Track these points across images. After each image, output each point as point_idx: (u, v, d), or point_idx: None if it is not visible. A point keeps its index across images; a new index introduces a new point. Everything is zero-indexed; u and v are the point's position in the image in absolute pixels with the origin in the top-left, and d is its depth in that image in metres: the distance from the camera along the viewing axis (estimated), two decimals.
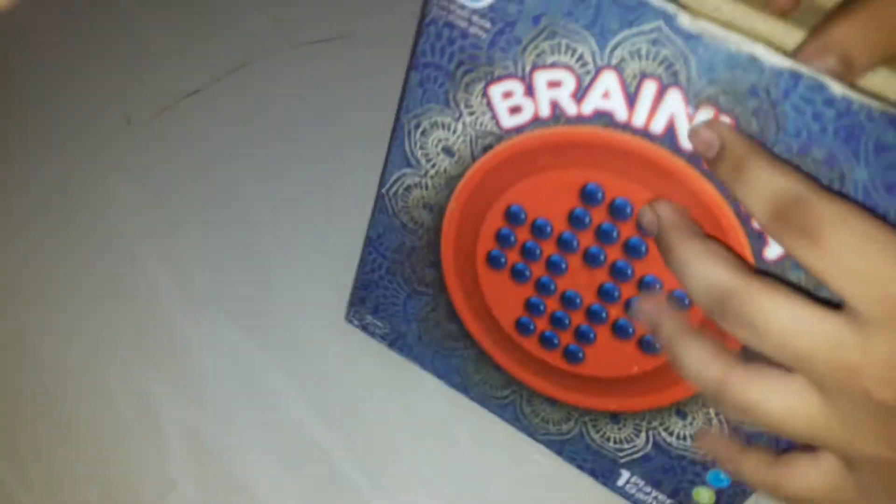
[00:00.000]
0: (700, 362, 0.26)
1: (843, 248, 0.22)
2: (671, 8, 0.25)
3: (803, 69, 0.23)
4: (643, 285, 0.30)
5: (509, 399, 0.37)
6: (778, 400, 0.24)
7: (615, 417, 0.34)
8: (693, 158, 0.27)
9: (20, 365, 0.42)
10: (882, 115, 0.23)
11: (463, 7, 0.28)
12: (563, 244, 0.31)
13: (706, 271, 0.25)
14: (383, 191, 0.35)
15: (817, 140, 0.24)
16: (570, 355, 0.34)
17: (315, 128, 0.48)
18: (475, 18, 0.28)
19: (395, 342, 0.39)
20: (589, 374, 0.34)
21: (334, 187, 0.46)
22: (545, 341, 0.34)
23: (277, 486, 0.39)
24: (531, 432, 0.37)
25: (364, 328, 0.40)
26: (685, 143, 0.27)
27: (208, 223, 0.46)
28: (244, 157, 0.47)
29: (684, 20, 0.24)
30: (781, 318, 0.23)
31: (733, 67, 0.24)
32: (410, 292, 0.37)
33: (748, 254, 0.27)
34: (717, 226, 0.28)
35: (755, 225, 0.27)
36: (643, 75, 0.26)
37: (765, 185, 0.24)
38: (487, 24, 0.28)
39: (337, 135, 0.47)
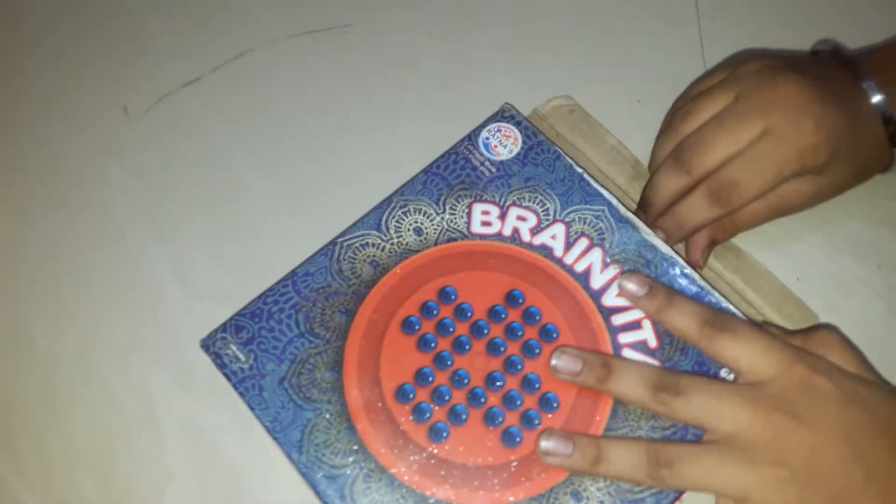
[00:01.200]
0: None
1: (745, 338, 0.36)
2: (615, 200, 0.42)
3: (678, 258, 0.41)
4: (525, 381, 0.38)
5: (347, 471, 0.36)
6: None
7: None
8: (596, 295, 0.40)
9: (16, 355, 0.42)
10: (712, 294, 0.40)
11: (482, 154, 0.43)
12: (476, 329, 0.39)
13: (640, 373, 0.36)
14: (340, 239, 0.41)
15: None
16: (435, 432, 0.37)
17: (314, 117, 0.48)
18: (487, 164, 0.43)
19: (247, 381, 0.37)
20: (443, 457, 0.37)
21: (333, 176, 0.46)
22: (418, 412, 0.37)
23: (275, 476, 0.39)
24: None
25: (218, 358, 0.38)
26: (595, 284, 0.41)
27: (206, 213, 0.45)
28: (242, 147, 0.47)
29: (620, 209, 0.42)
30: (702, 388, 0.35)
31: (639, 246, 0.41)
32: (305, 331, 0.38)
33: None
34: (594, 336, 0.39)
35: (618, 339, 0.39)
36: (582, 233, 0.41)
37: (691, 310, 0.38)
38: (493, 170, 0.43)
39: (336, 124, 0.48)
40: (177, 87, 0.49)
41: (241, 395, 0.37)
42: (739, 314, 0.39)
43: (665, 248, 0.40)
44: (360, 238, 0.40)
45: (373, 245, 0.40)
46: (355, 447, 0.36)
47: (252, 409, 0.36)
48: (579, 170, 0.42)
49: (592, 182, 0.42)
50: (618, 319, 0.39)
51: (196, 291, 0.44)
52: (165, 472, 0.40)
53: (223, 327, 0.38)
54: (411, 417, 0.37)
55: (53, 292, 0.44)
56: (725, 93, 0.41)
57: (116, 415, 0.41)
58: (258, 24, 0.51)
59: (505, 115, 0.43)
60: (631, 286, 0.38)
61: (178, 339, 0.42)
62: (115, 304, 0.43)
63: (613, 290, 0.40)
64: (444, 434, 0.37)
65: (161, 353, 0.42)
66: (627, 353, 0.38)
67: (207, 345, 0.38)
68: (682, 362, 0.38)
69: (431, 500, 0.35)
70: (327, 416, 0.36)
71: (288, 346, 0.38)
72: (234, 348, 0.38)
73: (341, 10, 0.51)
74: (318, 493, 0.35)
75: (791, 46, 0.47)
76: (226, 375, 0.37)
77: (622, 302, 0.39)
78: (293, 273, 0.39)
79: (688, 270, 0.40)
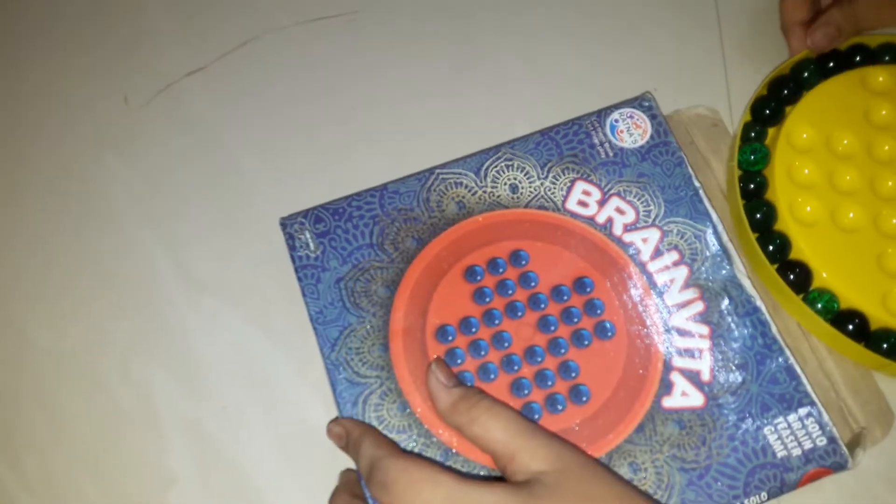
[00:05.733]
0: None
1: (486, 424, 0.32)
2: (721, 226, 0.40)
3: (760, 303, 0.39)
4: (563, 366, 0.38)
5: (368, 382, 0.37)
6: None
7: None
8: (665, 311, 0.39)
9: (15, 355, 0.41)
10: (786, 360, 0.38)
11: (606, 135, 0.42)
12: (534, 301, 0.39)
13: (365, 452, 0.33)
14: (437, 170, 0.41)
15: (744, 350, 0.38)
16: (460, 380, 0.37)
17: (320, 107, 0.46)
18: (607, 146, 0.41)
19: (308, 269, 0.39)
20: None
21: (339, 165, 0.45)
22: (451, 355, 0.37)
23: (279, 477, 0.39)
24: None
25: (291, 239, 0.39)
26: (669, 300, 0.39)
27: (208, 206, 0.44)
28: (247, 138, 0.45)
29: (723, 236, 0.40)
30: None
31: (727, 280, 0.39)
32: (375, 244, 0.39)
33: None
34: (648, 350, 0.38)
35: (672, 361, 0.38)
36: (675, 247, 0.40)
37: (447, 396, 0.34)
38: (611, 154, 0.41)
39: (343, 114, 0.46)
40: (179, 76, 0.47)
41: (299, 279, 0.38)
42: (805, 380, 0.37)
43: (751, 290, 0.38)
44: (457, 176, 0.40)
45: (465, 186, 0.40)
46: (382, 364, 0.37)
47: (304, 295, 0.38)
48: (696, 184, 0.40)
49: (705, 200, 0.40)
50: (679, 342, 0.38)
51: (198, 287, 0.42)
52: (168, 474, 0.39)
53: (305, 213, 0.40)
54: (443, 357, 0.37)
55: (51, 288, 0.42)
56: None
57: (117, 416, 0.40)
58: (263, 12, 0.48)
59: (644, 103, 0.42)
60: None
61: (180, 337, 0.41)
62: (116, 301, 0.42)
63: (684, 311, 0.38)
64: (468, 385, 0.37)
65: (163, 351, 0.41)
66: (676, 377, 0.37)
67: (286, 224, 0.39)
68: (729, 403, 0.37)
69: (435, 439, 0.36)
70: (368, 326, 0.38)
71: (355, 252, 0.39)
72: (307, 235, 0.39)
73: None
74: (335, 392, 0.37)
75: None
76: (292, 258, 0.39)
77: (689, 326, 0.38)
78: (384, 187, 0.40)
79: (765, 318, 0.38)
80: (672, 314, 0.38)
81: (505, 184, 0.40)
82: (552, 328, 0.38)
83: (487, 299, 0.38)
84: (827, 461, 0.36)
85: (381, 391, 0.37)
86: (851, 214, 0.41)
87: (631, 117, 0.42)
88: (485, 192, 0.40)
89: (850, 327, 0.39)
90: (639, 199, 0.40)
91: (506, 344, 0.38)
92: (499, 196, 0.40)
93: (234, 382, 0.41)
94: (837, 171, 0.41)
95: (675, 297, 0.39)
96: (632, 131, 0.41)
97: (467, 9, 0.49)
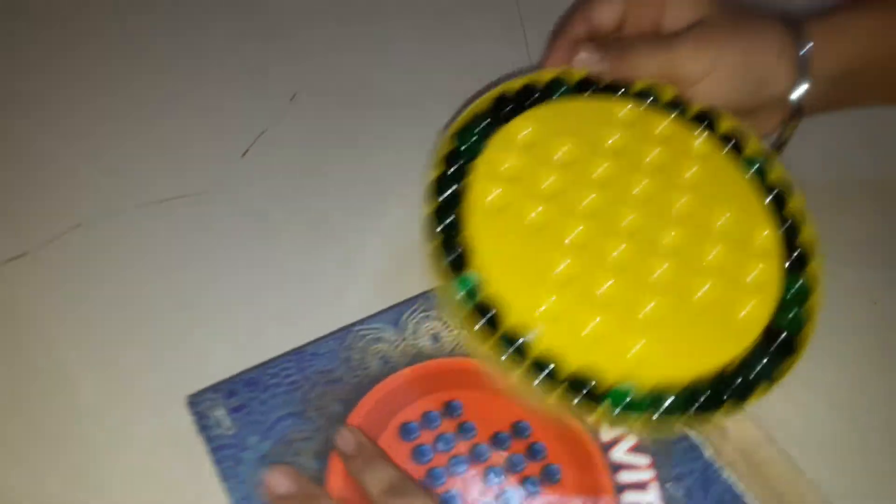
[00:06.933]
0: None
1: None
2: None
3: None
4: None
5: None
6: None
7: None
8: (604, 447, 0.38)
9: None
10: None
11: None
12: (477, 452, 0.37)
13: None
14: (355, 328, 0.39)
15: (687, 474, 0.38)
16: None
17: (157, 288, 0.42)
18: None
19: (225, 450, 0.34)
20: None
21: (179, 355, 0.40)
22: None
23: None
24: None
25: (202, 418, 0.35)
26: (605, 436, 0.39)
27: (30, 404, 0.39)
28: (74, 327, 0.41)
29: None
30: None
31: None
32: (297, 412, 0.36)
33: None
34: (596, 488, 0.37)
35: (622, 498, 0.37)
36: None
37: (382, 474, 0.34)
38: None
39: (182, 293, 0.42)
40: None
41: (216, 462, 0.34)
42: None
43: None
44: (376, 331, 0.39)
45: (386, 341, 0.38)
46: None
47: (224, 479, 0.33)
48: None
49: None
50: (624, 477, 0.37)
51: None
52: None
53: (214, 387, 0.36)
54: None
55: None
56: None
57: None
58: (99, 195, 0.45)
59: None
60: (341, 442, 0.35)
61: None
62: None
63: (622, 444, 0.38)
64: None
65: None
66: None
67: (194, 402, 0.35)
68: None
69: None
70: None
71: (276, 424, 0.35)
72: (221, 412, 0.35)
73: (187, 180, 0.46)
74: None
75: None
76: (206, 439, 0.34)
77: (629, 459, 0.37)
78: (301, 350, 0.37)
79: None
80: (611, 448, 0.37)
81: (426, 334, 0.39)
82: (496, 480, 0.36)
83: (427, 457, 0.36)
84: None
85: None
86: (536, 212, 0.38)
87: None
88: (406, 343, 0.39)
89: (484, 316, 0.35)
90: None
91: (458, 501, 0.35)
92: (422, 347, 0.39)
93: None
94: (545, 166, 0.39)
95: (610, 432, 0.38)
96: None
97: (320, 190, 0.47)
